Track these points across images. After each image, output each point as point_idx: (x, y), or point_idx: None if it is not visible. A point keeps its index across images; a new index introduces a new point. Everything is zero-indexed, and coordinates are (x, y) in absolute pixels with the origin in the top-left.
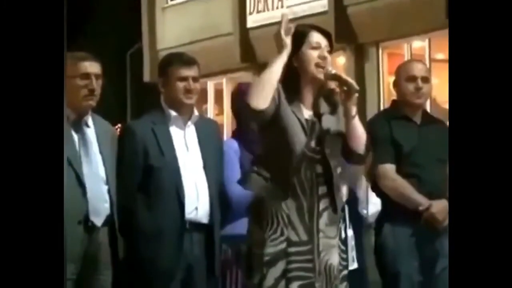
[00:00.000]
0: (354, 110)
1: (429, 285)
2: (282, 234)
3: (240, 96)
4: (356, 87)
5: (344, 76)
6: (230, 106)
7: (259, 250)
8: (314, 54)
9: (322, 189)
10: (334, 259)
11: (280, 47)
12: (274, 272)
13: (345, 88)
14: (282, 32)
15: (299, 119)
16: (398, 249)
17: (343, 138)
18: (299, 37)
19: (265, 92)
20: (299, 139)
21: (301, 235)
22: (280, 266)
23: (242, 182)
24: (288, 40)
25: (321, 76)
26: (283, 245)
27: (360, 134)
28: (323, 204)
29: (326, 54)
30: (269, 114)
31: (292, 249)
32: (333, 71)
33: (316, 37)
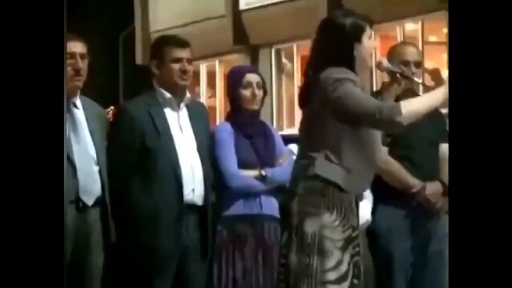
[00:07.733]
0: None
1: (420, 267)
2: (348, 220)
3: (236, 78)
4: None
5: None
6: (226, 89)
7: (333, 235)
8: (372, 45)
9: None
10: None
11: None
12: (347, 257)
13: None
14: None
15: None
16: (390, 232)
17: None
18: (359, 29)
19: (417, 116)
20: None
21: (356, 222)
22: (350, 251)
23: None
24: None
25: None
26: (350, 231)
27: None
28: None
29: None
30: None
31: (354, 235)
32: (390, 66)
33: (369, 29)
